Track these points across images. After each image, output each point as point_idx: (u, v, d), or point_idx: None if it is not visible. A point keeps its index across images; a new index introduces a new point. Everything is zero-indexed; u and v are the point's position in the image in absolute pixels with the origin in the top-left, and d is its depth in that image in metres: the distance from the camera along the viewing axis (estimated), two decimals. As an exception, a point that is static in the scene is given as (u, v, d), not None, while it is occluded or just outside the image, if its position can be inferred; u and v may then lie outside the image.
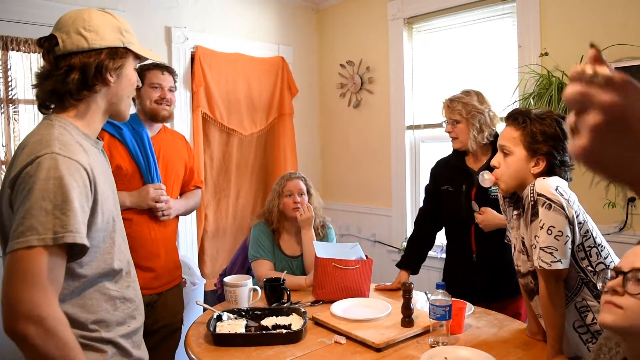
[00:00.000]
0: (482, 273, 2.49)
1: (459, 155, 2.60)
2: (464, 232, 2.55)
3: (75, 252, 1.27)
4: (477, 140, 2.49)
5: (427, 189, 2.76)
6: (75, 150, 1.30)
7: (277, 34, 4.36)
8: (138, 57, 1.50)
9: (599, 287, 1.26)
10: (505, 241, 2.05)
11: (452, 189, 2.59)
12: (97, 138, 1.49)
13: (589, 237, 1.69)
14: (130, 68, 1.48)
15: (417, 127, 3.96)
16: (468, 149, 2.53)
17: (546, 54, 3.08)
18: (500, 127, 2.57)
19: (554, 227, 1.62)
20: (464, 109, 2.48)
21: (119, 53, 1.42)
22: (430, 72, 3.89)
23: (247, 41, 4.12)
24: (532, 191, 1.68)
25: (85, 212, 1.28)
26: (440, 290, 1.88)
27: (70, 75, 1.36)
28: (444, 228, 2.73)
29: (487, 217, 2.41)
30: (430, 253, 2.81)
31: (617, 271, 1.18)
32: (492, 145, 2.52)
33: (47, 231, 1.19)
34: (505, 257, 2.34)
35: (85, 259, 1.32)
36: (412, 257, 2.69)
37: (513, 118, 1.80)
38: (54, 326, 1.20)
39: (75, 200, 1.24)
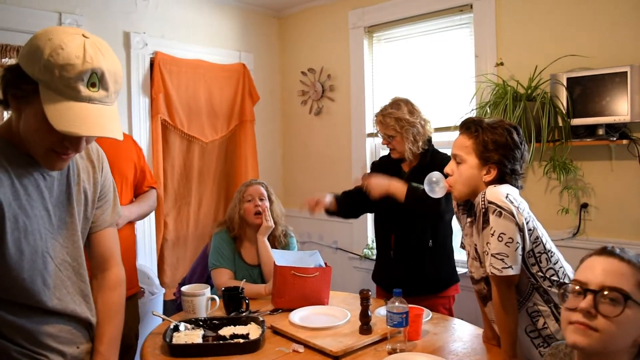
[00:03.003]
0: (398, 269, 2.61)
1: (395, 158, 2.69)
2: (386, 229, 2.69)
3: None
4: (412, 151, 2.57)
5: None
6: None
7: (239, 41, 4.34)
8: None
9: (558, 302, 1.27)
10: (460, 247, 2.08)
11: None
12: None
13: (539, 244, 1.73)
14: (33, 110, 1.20)
15: (377, 134, 3.99)
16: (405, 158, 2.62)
17: (501, 64, 3.16)
18: (435, 133, 2.72)
19: (505, 234, 1.66)
20: (396, 124, 2.55)
21: (23, 82, 1.18)
22: (390, 80, 3.94)
23: (207, 48, 4.09)
24: (483, 199, 1.71)
25: None
26: (397, 297, 1.90)
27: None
28: (373, 222, 2.88)
29: (371, 180, 2.50)
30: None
31: (584, 288, 1.16)
32: (420, 155, 2.62)
33: None
34: (420, 259, 2.57)
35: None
36: (344, 194, 2.81)
37: (466, 127, 1.83)
38: None
39: None
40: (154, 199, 2.67)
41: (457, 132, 1.91)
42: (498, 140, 1.76)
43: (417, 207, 2.41)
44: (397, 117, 2.55)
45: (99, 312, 1.54)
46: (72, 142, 1.24)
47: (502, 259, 1.65)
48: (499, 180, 1.78)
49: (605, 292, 1.12)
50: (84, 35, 1.21)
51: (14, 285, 1.28)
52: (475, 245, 1.82)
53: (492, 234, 1.67)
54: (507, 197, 1.68)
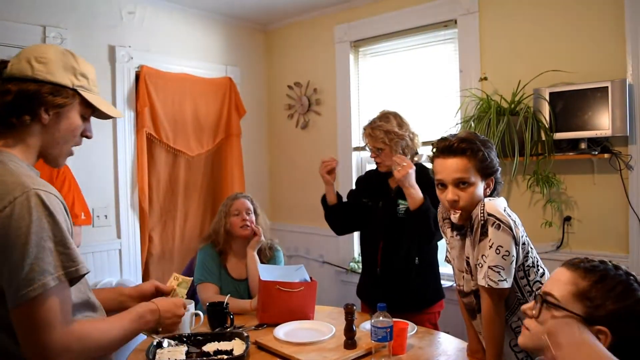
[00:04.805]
0: (384, 286, 2.59)
1: (383, 172, 2.66)
2: (372, 246, 2.66)
3: (73, 282, 1.28)
4: None
5: (350, 193, 2.87)
6: (43, 182, 1.28)
7: (225, 55, 4.35)
8: (90, 106, 1.43)
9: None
10: (445, 261, 2.09)
11: (371, 203, 2.68)
12: None
13: (529, 258, 1.75)
14: (74, 113, 1.40)
15: (363, 148, 4.00)
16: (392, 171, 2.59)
17: (485, 78, 3.19)
18: (423, 148, 2.68)
19: (502, 247, 1.67)
20: (385, 136, 2.54)
21: (62, 92, 1.35)
22: (376, 95, 3.96)
23: (193, 61, 4.10)
24: (482, 211, 1.72)
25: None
26: (381, 312, 1.89)
27: (4, 98, 1.31)
28: (359, 238, 2.86)
29: (408, 167, 2.39)
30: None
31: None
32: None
33: (58, 269, 1.21)
34: (407, 276, 2.55)
35: None
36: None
37: (460, 150, 1.77)
38: (83, 344, 1.26)
39: (67, 232, 1.24)
40: None
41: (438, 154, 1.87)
42: (490, 152, 1.78)
43: (421, 223, 2.38)
44: (386, 129, 2.54)
45: None
46: (91, 130, 1.49)
47: (498, 272, 1.66)
48: (495, 189, 1.82)
49: (545, 297, 1.23)
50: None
51: None
52: (467, 257, 1.82)
53: (490, 246, 1.68)
54: (504, 210, 1.71)
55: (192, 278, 1.97)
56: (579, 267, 1.23)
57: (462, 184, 1.77)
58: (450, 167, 1.79)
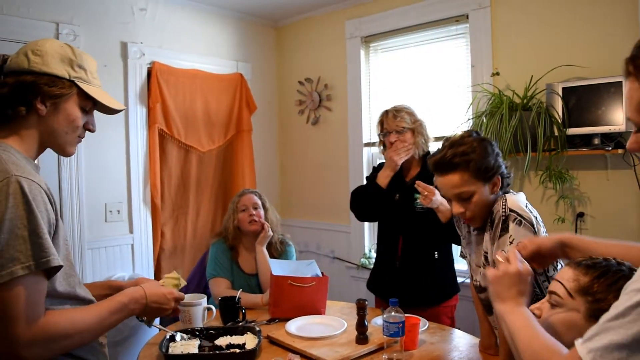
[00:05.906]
0: (403, 280, 2.58)
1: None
2: (392, 239, 2.65)
3: (50, 275, 1.27)
4: (422, 147, 2.60)
5: (368, 178, 2.78)
6: (31, 171, 1.28)
7: (236, 51, 4.36)
8: (90, 98, 1.44)
9: None
10: (460, 257, 2.08)
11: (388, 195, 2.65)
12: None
13: None
14: (71, 104, 1.41)
15: (374, 144, 4.00)
16: (413, 156, 2.61)
17: (497, 73, 3.17)
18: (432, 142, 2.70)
19: None
20: (410, 117, 2.60)
21: (59, 83, 1.37)
22: (387, 90, 3.95)
23: (205, 57, 4.11)
24: (504, 207, 1.72)
25: (50, 235, 1.26)
26: (393, 307, 1.89)
27: (1, 90, 1.34)
28: (377, 230, 2.82)
29: (441, 204, 2.33)
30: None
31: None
32: (422, 160, 2.62)
33: (29, 258, 1.19)
34: (428, 269, 2.55)
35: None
36: None
37: (453, 166, 1.77)
38: (49, 334, 1.24)
39: (43, 223, 1.23)
40: None
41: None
42: (483, 154, 1.77)
43: (453, 233, 2.30)
44: (410, 111, 2.63)
45: None
46: (93, 124, 1.50)
47: None
48: (503, 185, 1.82)
49: (550, 296, 1.26)
50: None
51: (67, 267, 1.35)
52: (486, 253, 1.82)
53: (511, 242, 1.67)
54: (526, 206, 1.72)
55: (184, 284, 1.93)
56: (581, 264, 1.24)
57: (463, 197, 1.78)
58: (447, 184, 1.80)
